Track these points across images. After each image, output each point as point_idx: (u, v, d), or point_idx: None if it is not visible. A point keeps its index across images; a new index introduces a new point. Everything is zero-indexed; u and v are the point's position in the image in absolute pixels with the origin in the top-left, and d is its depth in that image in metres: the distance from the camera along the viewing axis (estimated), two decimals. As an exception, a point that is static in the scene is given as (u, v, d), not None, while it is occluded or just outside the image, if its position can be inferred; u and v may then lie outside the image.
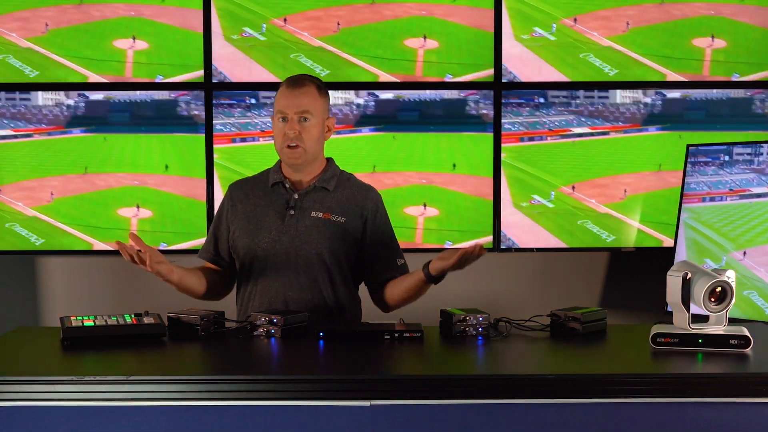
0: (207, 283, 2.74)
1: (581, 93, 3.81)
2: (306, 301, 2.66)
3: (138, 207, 3.77)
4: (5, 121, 3.76)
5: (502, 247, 3.78)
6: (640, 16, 3.83)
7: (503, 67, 3.79)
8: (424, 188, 3.82)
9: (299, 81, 2.70)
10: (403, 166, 3.82)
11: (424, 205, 3.83)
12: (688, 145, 3.49)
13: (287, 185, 2.73)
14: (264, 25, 3.76)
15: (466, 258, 2.47)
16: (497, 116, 3.75)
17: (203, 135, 3.74)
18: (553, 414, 1.93)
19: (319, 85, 2.72)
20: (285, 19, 3.77)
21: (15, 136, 3.76)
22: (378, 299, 2.79)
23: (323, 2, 3.76)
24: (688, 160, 3.46)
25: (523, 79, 3.80)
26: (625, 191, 3.85)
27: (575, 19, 3.82)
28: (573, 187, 3.83)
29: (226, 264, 2.79)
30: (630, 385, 1.93)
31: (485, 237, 3.76)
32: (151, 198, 3.78)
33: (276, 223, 2.70)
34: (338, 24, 3.77)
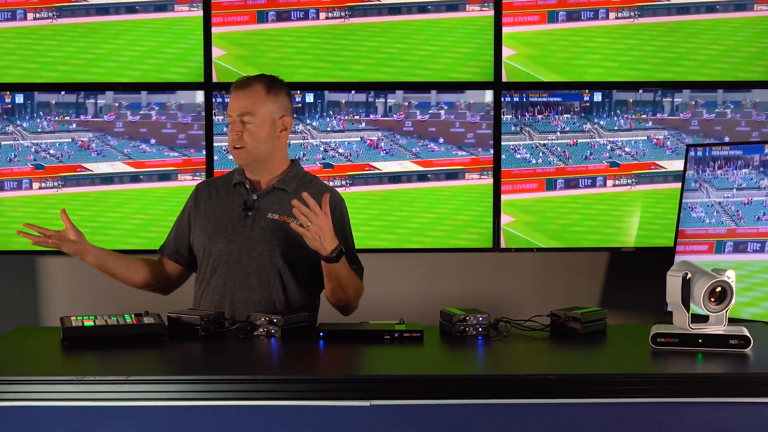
0: (148, 275, 2.78)
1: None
2: (255, 302, 2.65)
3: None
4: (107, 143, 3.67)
5: (502, 247, 3.77)
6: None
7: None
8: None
9: (244, 82, 2.69)
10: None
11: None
12: (688, 145, 3.48)
13: (247, 186, 2.73)
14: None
15: (310, 222, 2.44)
16: (497, 116, 3.74)
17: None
18: (553, 414, 1.93)
19: (269, 85, 2.68)
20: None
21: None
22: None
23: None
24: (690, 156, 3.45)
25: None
26: None
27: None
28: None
29: (185, 261, 2.80)
30: (630, 385, 1.93)
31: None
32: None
33: (232, 223, 2.70)
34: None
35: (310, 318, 2.49)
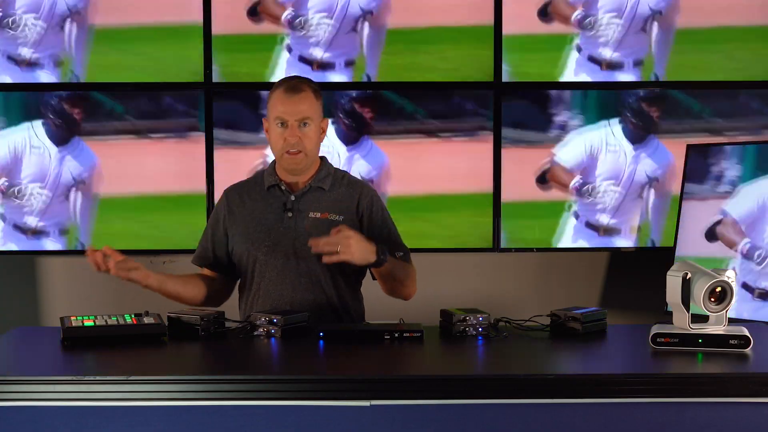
0: (205, 289, 2.74)
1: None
2: (310, 302, 2.66)
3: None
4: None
5: (502, 247, 3.77)
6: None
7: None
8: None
9: (297, 86, 2.68)
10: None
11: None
12: (689, 145, 3.49)
13: (283, 187, 2.73)
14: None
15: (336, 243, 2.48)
16: (497, 116, 3.74)
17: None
18: (553, 414, 1.93)
19: (315, 88, 2.72)
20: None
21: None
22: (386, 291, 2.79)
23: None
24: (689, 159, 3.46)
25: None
26: None
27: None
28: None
29: (225, 269, 2.78)
30: (630, 385, 1.93)
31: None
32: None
33: (275, 226, 2.70)
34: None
35: (311, 317, 2.50)
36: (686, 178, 3.44)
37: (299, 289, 2.68)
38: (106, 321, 2.32)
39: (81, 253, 3.71)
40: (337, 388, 1.93)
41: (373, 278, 2.77)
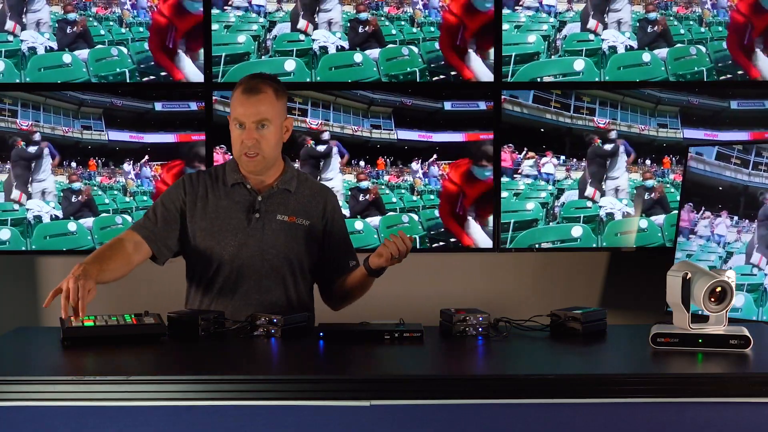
0: (127, 265, 2.61)
1: None
2: (271, 303, 2.67)
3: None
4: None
5: (502, 247, 3.77)
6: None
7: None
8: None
9: (256, 87, 2.63)
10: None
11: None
12: (689, 145, 3.48)
13: (248, 186, 2.71)
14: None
15: (398, 255, 2.52)
16: (497, 115, 3.74)
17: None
18: (553, 414, 1.93)
19: (277, 88, 2.67)
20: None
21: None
22: (327, 296, 2.82)
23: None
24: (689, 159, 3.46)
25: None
26: None
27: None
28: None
29: (166, 253, 2.68)
30: (630, 385, 1.93)
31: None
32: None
33: (241, 226, 2.69)
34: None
35: (310, 317, 2.50)
36: (686, 179, 3.44)
37: (262, 290, 2.68)
38: (106, 321, 2.32)
39: (81, 253, 3.73)
40: (337, 388, 1.93)
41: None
